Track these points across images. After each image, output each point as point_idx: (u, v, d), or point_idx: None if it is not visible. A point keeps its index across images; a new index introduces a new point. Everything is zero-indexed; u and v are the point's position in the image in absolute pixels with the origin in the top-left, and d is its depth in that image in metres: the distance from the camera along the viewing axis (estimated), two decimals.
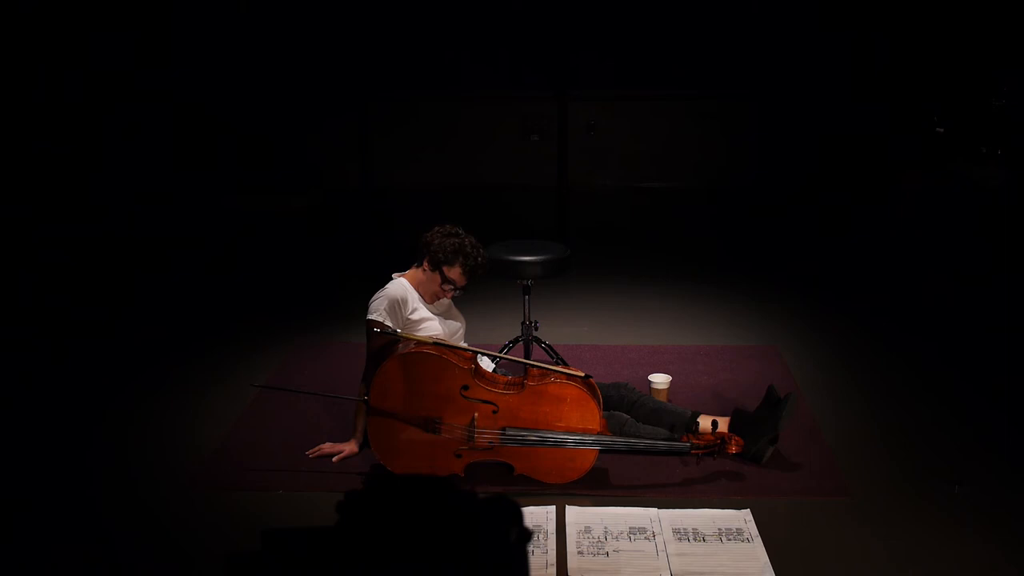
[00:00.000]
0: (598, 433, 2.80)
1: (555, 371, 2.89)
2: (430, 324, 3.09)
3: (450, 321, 3.19)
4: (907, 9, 9.47)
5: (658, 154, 10.14)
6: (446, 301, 3.24)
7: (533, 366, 2.97)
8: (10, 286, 7.91)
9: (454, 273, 3.08)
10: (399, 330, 2.95)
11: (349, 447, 3.10)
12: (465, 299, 3.25)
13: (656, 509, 2.73)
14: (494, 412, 2.74)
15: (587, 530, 2.58)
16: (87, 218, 9.23)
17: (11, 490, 3.54)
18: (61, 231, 8.84)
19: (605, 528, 2.58)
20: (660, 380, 3.32)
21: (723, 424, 3.04)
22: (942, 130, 9.36)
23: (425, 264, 3.10)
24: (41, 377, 5.58)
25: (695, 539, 2.53)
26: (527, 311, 3.33)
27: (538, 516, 2.63)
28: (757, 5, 9.85)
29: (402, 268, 3.32)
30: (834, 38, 9.74)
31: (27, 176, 9.07)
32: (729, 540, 2.53)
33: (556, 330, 3.62)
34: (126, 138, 9.53)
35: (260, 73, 9.77)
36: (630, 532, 2.58)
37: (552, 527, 2.62)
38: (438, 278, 3.08)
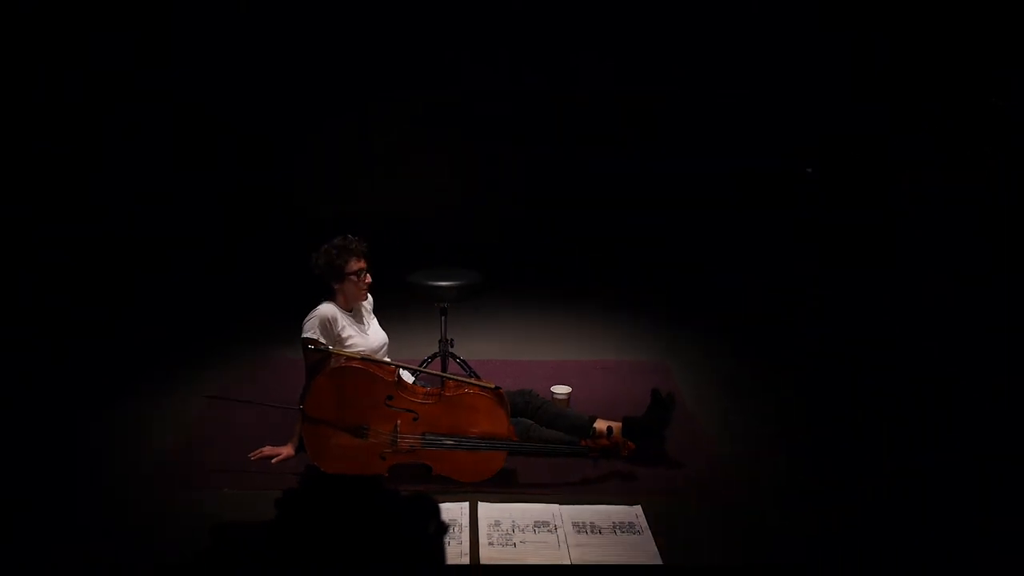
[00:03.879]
0: (506, 438, 3.17)
1: (468, 383, 3.29)
2: (357, 341, 3.40)
3: (375, 338, 3.55)
4: (907, 9, 9.48)
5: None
6: (373, 323, 3.61)
7: (449, 379, 3.36)
8: (10, 286, 7.94)
9: (350, 267, 3.43)
10: (331, 347, 3.25)
11: (287, 450, 3.42)
12: (388, 319, 3.62)
13: (558, 505, 3.06)
14: (415, 420, 3.08)
15: (497, 524, 2.94)
16: (87, 218, 9.24)
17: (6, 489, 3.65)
18: (61, 231, 8.85)
19: (513, 522, 2.93)
20: (561, 390, 3.69)
21: (616, 429, 3.33)
22: (810, 170, 9.36)
23: (331, 283, 3.50)
24: (41, 377, 5.58)
25: (592, 532, 2.88)
26: (444, 330, 3.70)
27: (454, 511, 2.98)
28: (757, 5, 9.86)
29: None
30: (834, 38, 9.75)
31: (27, 176, 9.08)
32: (622, 533, 2.88)
33: (469, 347, 3.93)
34: (126, 138, 9.53)
35: (260, 73, 9.77)
36: (535, 525, 2.93)
37: (466, 521, 2.93)
38: (347, 281, 3.44)
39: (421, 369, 3.54)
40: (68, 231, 9.15)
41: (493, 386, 3.22)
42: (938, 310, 8.11)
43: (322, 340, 3.28)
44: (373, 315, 3.62)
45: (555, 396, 3.56)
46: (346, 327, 3.40)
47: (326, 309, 3.40)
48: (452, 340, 3.67)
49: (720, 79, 10.13)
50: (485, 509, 2.99)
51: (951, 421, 5.92)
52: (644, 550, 2.77)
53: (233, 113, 9.87)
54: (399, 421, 3.04)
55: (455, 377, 3.36)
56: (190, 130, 9.88)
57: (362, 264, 3.46)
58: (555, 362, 4.05)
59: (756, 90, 10.12)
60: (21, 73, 9.00)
